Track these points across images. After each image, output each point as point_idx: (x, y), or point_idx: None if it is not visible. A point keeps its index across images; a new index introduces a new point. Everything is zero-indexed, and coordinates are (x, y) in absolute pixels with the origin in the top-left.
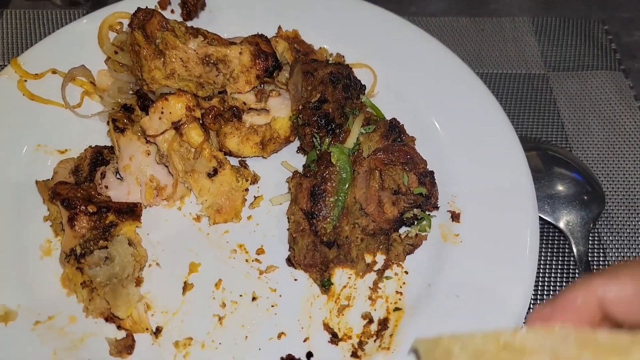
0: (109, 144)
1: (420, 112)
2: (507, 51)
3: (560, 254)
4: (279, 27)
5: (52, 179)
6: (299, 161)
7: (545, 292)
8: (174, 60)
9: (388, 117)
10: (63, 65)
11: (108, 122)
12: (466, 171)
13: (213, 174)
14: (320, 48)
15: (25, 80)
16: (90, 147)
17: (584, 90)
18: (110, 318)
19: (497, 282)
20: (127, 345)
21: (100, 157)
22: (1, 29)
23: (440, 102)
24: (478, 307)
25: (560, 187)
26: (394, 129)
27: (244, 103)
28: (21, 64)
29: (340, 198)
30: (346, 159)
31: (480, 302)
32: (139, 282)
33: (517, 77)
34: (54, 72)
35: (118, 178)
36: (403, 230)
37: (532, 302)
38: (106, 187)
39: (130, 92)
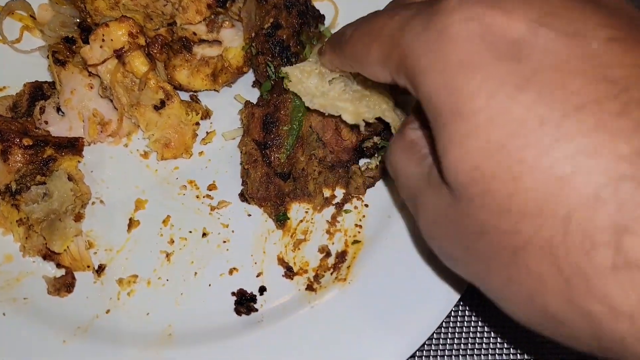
0: (50, 80)
1: None
2: None
3: None
4: None
5: None
6: (254, 96)
7: None
8: None
9: None
10: None
11: (48, 55)
12: None
13: (160, 106)
14: None
15: None
16: (29, 82)
17: None
18: (48, 256)
19: None
20: (66, 283)
21: (39, 92)
22: None
23: None
24: None
25: None
26: None
27: (194, 34)
28: None
29: (294, 126)
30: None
31: None
32: (79, 217)
33: None
34: None
35: (60, 114)
36: (363, 162)
37: None
38: (46, 122)
39: (75, 27)
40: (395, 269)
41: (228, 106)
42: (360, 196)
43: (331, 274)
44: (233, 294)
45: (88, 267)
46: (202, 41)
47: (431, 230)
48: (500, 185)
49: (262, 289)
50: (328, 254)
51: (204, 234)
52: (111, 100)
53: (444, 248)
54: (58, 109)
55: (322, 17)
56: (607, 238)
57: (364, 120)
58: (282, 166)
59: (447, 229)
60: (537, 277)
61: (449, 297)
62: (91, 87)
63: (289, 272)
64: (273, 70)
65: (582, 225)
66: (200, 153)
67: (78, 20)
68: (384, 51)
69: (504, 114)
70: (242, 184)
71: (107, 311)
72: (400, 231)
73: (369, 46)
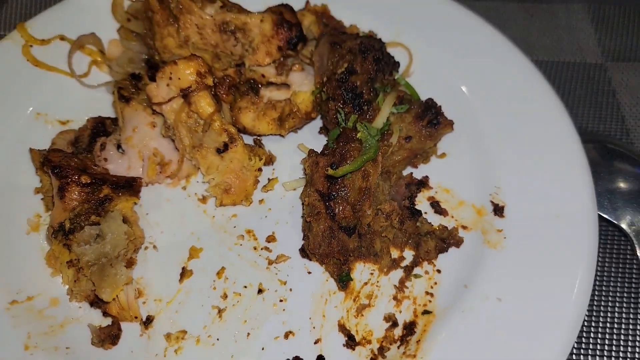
0: (113, 116)
1: (462, 96)
2: (560, 38)
3: (621, 259)
4: (307, 1)
5: (49, 149)
6: (320, 143)
7: (602, 302)
8: (188, 26)
9: (424, 99)
10: (73, 32)
11: (113, 91)
12: (512, 161)
13: (223, 149)
14: (351, 25)
15: (31, 46)
16: (92, 117)
17: None
18: (95, 302)
19: (547, 286)
20: (111, 334)
21: (102, 128)
22: (16, 0)
23: (485, 86)
24: (524, 313)
25: (622, 184)
26: (429, 110)
27: (263, 76)
28: (28, 29)
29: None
30: (373, 140)
31: (527, 308)
32: (130, 263)
33: (570, 65)
34: (62, 38)
35: (120, 152)
36: (437, 223)
37: (588, 312)
38: (105, 159)
39: (142, 63)
40: (473, 347)
41: (292, 153)
42: (432, 260)
43: (398, 347)
44: None
45: (136, 318)
46: (270, 84)
47: None
48: None
49: (320, 359)
50: (395, 324)
51: (260, 291)
52: (173, 141)
53: None
54: (118, 146)
55: (397, 64)
56: None
57: None
58: (347, 220)
59: None
60: None
61: None
62: (153, 126)
63: (351, 342)
64: (343, 117)
65: None
66: (261, 201)
67: (146, 57)
68: None
69: None
70: (303, 238)
71: None
72: (479, 304)
73: None
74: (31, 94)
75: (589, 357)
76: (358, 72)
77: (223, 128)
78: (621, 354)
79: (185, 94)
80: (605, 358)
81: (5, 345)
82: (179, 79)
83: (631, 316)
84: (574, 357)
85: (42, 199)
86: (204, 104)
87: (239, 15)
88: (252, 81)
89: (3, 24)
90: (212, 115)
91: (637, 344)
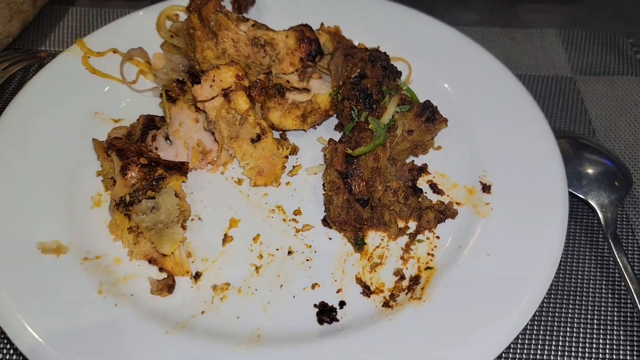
0: (160, 115)
1: (454, 99)
2: (536, 57)
3: (589, 228)
4: (322, 23)
5: (109, 138)
6: (336, 138)
7: (574, 263)
8: (225, 40)
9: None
10: (123, 47)
11: (161, 94)
12: (497, 150)
13: (256, 139)
14: (359, 44)
15: (89, 57)
16: (143, 115)
17: (610, 92)
18: (153, 260)
19: (526, 244)
20: (167, 285)
21: (152, 123)
22: (69, 23)
23: (473, 92)
24: (509, 264)
25: (589, 169)
26: (427, 109)
27: (288, 82)
28: (86, 43)
29: (370, 148)
30: (382, 130)
31: (511, 260)
32: (182, 228)
33: (545, 79)
34: (115, 51)
35: (167, 142)
36: (436, 199)
37: (561, 269)
38: (156, 148)
39: (183, 72)
40: (468, 291)
41: (312, 145)
42: (432, 229)
43: (406, 294)
44: (315, 305)
45: (187, 272)
46: (293, 88)
47: None
48: None
49: (342, 303)
50: (402, 277)
51: (290, 252)
52: (213, 134)
53: None
54: (167, 138)
55: (400, 73)
56: None
57: None
58: (362, 193)
59: None
60: None
61: (520, 319)
62: (197, 121)
63: (367, 291)
64: (356, 113)
65: None
66: (287, 183)
67: (186, 67)
68: None
69: None
70: (324, 211)
71: (202, 312)
72: (472, 259)
73: None
74: (89, 96)
75: (563, 308)
76: (368, 76)
77: (256, 122)
78: (590, 305)
79: (226, 93)
80: (576, 309)
81: (83, 290)
82: (221, 80)
83: (598, 273)
84: (551, 303)
85: (102, 180)
86: (241, 101)
87: (268, 32)
88: (278, 86)
89: (58, 42)
90: (247, 111)
91: (602, 297)
